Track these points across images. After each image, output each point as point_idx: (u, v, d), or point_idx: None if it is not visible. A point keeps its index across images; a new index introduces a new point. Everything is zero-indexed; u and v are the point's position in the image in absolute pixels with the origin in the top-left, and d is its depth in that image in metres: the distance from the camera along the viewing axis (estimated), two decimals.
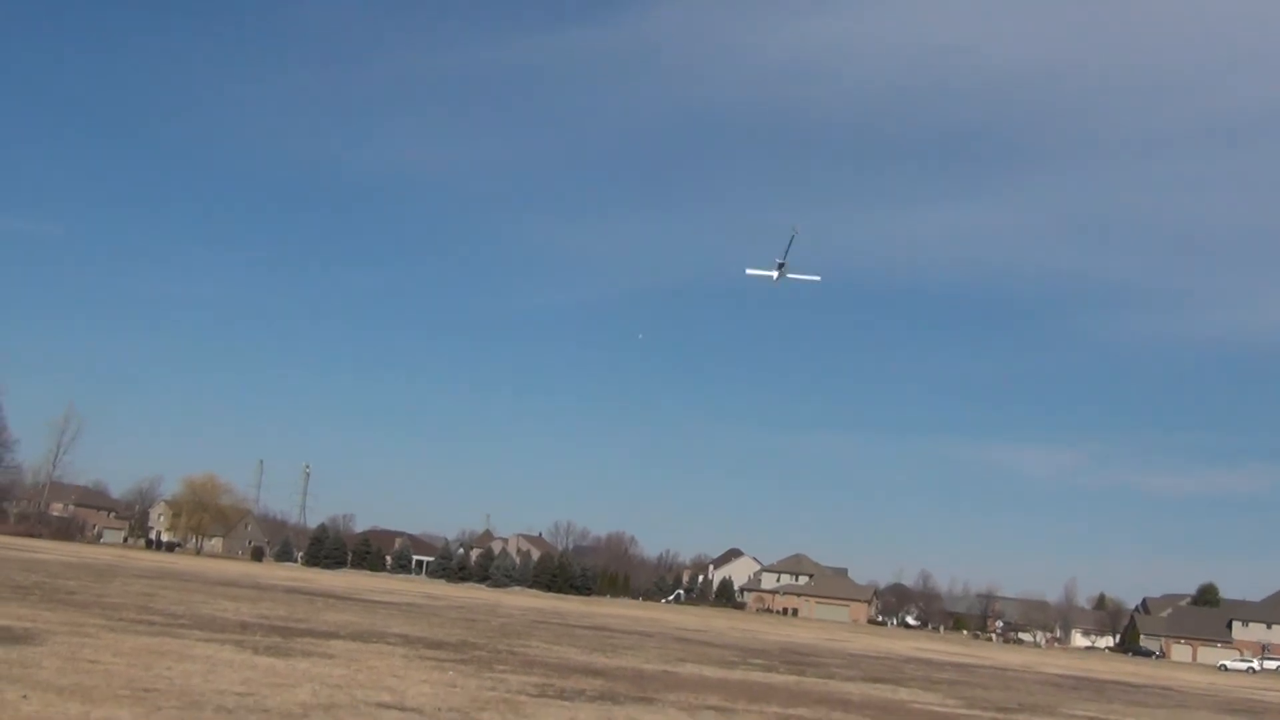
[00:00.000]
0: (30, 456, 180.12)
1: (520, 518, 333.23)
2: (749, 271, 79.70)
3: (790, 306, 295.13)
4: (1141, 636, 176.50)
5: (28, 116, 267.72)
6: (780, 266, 73.57)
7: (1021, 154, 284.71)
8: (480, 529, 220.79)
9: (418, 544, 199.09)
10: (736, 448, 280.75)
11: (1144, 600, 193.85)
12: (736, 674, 32.52)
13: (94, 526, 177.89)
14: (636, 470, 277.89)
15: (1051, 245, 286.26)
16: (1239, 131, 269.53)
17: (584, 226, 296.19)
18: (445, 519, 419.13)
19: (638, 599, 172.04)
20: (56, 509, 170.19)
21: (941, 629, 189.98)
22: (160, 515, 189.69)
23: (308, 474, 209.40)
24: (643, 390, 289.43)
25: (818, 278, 79.42)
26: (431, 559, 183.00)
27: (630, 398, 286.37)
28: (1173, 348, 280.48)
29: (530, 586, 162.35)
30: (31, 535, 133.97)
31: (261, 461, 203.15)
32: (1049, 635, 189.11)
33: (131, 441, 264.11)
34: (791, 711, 23.14)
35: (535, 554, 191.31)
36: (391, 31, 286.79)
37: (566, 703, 20.37)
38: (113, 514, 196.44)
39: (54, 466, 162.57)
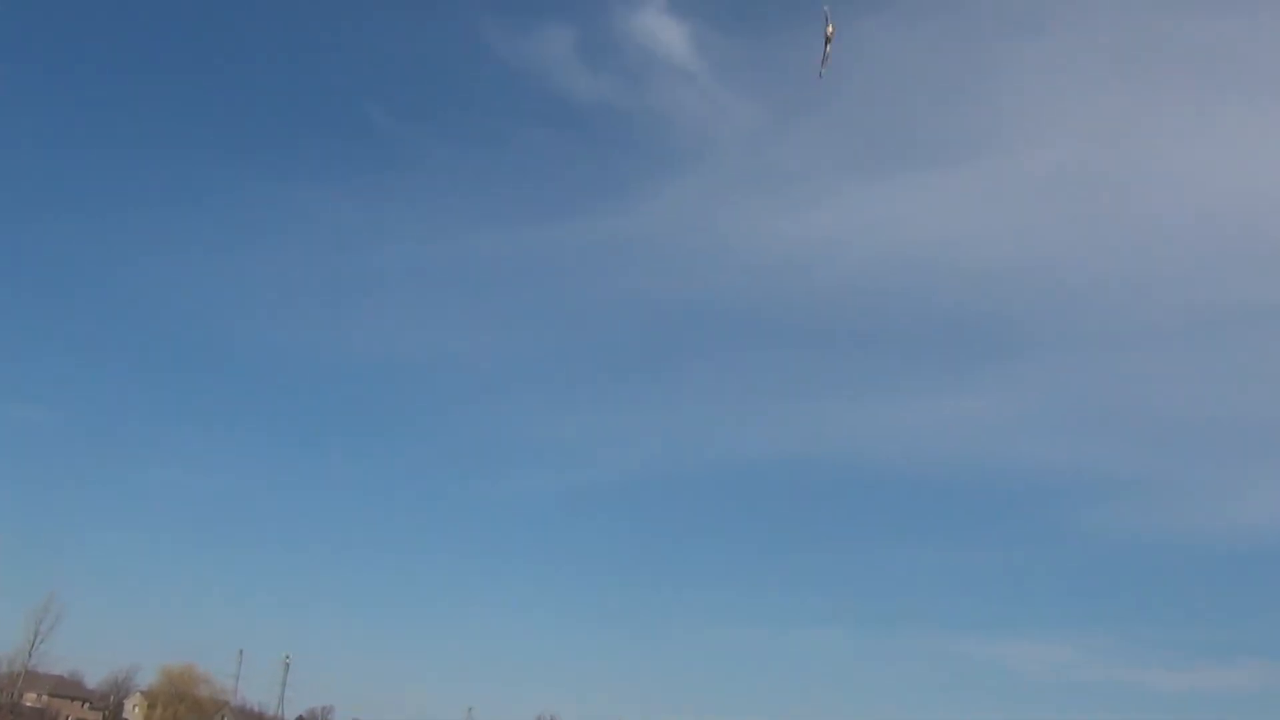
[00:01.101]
0: (5, 644, 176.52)
1: (505, 709, 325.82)
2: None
3: (775, 498, 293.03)
4: None
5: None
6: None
7: (1011, 345, 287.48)
8: None
9: None
10: (722, 641, 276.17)
11: None
12: None
13: (67, 718, 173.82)
14: (625, 661, 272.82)
15: (1041, 436, 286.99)
16: (1228, 324, 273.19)
17: (570, 412, 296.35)
18: (427, 709, 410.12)
19: None
20: (30, 699, 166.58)
21: None
22: (135, 707, 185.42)
23: (287, 664, 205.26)
24: (632, 578, 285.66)
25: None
26: None
27: (619, 586, 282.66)
28: (1164, 540, 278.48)
29: None
30: None
31: (241, 651, 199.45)
32: None
33: (110, 629, 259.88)
34: None
35: None
36: (388, 219, 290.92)
37: None
38: (88, 705, 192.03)
39: (30, 656, 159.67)
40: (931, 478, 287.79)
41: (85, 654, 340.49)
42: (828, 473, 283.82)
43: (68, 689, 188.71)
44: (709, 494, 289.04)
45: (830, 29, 74.35)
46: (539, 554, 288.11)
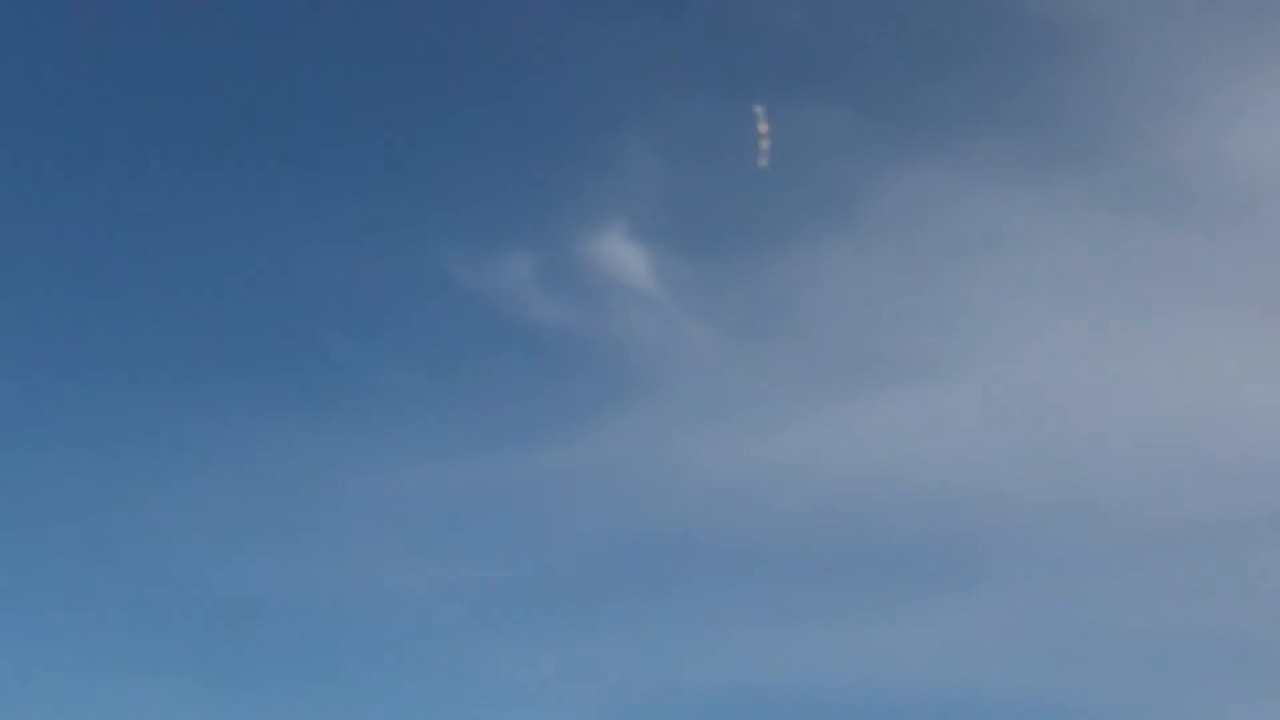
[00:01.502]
0: None
1: None
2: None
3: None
4: None
5: None
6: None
7: (973, 569, 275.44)
8: None
9: None
10: None
11: None
12: None
13: None
14: None
15: (1007, 662, 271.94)
16: (1183, 542, 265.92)
17: (534, 652, 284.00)
18: None
19: None
20: None
21: None
22: None
23: None
24: None
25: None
26: None
27: None
28: None
29: None
30: None
31: None
32: None
33: None
34: None
35: None
36: (343, 449, 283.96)
37: None
38: None
39: None
40: (899, 706, 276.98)
41: None
42: (795, 702, 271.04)
43: None
44: None
45: (763, 126, 78.32)
46: None
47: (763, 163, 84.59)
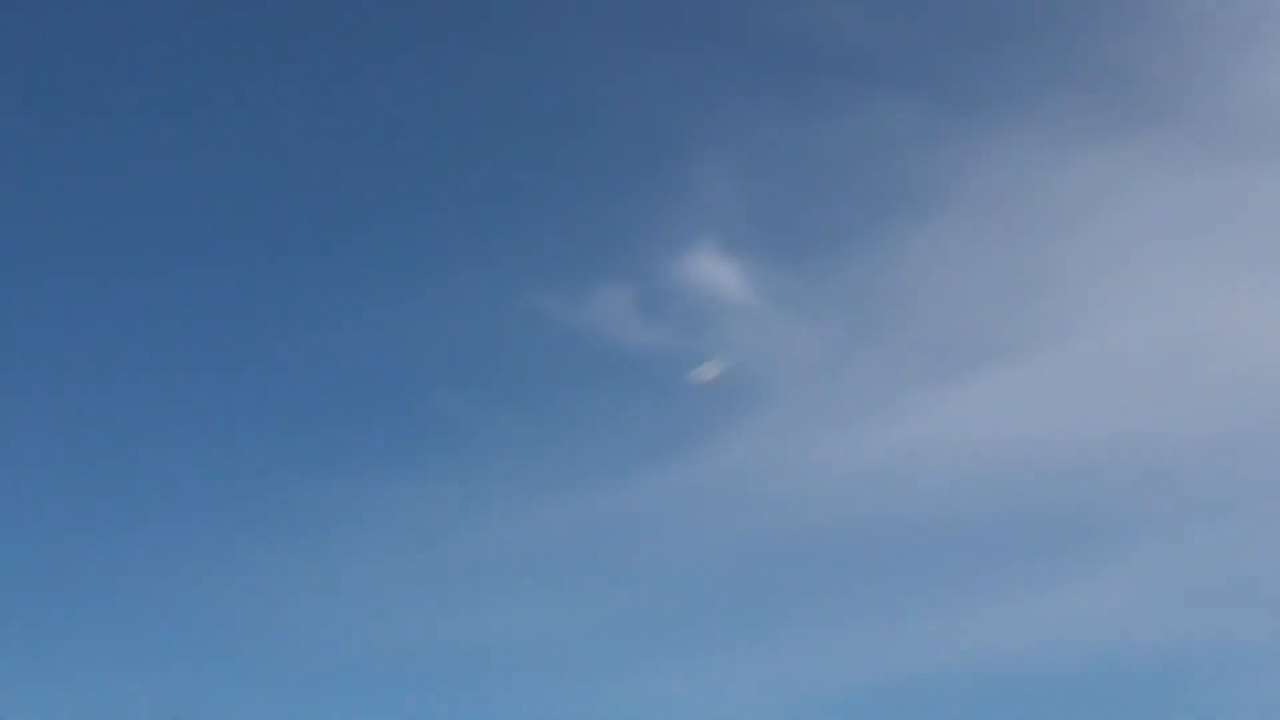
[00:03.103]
0: None
1: None
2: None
3: (901, 715, 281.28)
4: None
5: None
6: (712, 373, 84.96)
7: (1108, 529, 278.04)
8: None
9: None
10: None
11: None
12: None
13: None
14: None
15: (1154, 616, 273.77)
16: None
17: (685, 671, 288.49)
18: None
19: None
20: None
21: None
22: None
23: None
24: None
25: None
26: None
27: None
28: None
29: None
30: None
31: None
32: None
33: None
34: None
35: None
36: (457, 501, 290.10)
37: None
38: None
39: None
40: (1049, 676, 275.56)
41: None
42: (970, 683, 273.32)
43: None
44: None
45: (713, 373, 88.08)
46: None
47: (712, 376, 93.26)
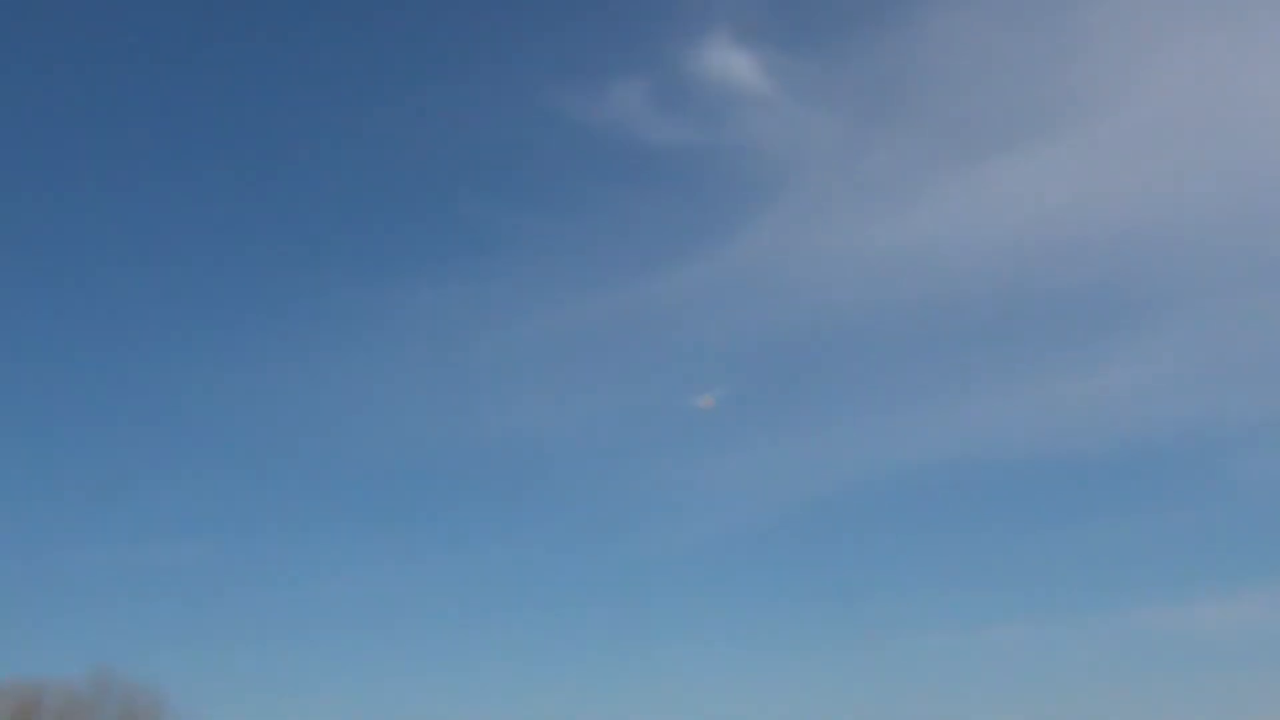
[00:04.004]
0: None
1: None
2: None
3: (933, 502, 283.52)
4: None
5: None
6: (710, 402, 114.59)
7: (1136, 307, 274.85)
8: None
9: None
10: (902, 650, 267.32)
11: None
12: None
13: None
14: (811, 690, 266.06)
15: (1187, 392, 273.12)
16: None
17: (715, 457, 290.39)
18: None
19: None
20: None
21: None
22: None
23: None
24: (803, 607, 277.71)
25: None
26: None
27: (791, 618, 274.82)
28: None
29: None
30: None
31: None
32: None
33: None
34: None
35: None
36: (485, 301, 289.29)
37: None
38: None
39: None
40: (1083, 455, 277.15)
41: None
42: (979, 470, 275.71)
43: None
44: (863, 510, 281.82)
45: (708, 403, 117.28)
46: (701, 606, 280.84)
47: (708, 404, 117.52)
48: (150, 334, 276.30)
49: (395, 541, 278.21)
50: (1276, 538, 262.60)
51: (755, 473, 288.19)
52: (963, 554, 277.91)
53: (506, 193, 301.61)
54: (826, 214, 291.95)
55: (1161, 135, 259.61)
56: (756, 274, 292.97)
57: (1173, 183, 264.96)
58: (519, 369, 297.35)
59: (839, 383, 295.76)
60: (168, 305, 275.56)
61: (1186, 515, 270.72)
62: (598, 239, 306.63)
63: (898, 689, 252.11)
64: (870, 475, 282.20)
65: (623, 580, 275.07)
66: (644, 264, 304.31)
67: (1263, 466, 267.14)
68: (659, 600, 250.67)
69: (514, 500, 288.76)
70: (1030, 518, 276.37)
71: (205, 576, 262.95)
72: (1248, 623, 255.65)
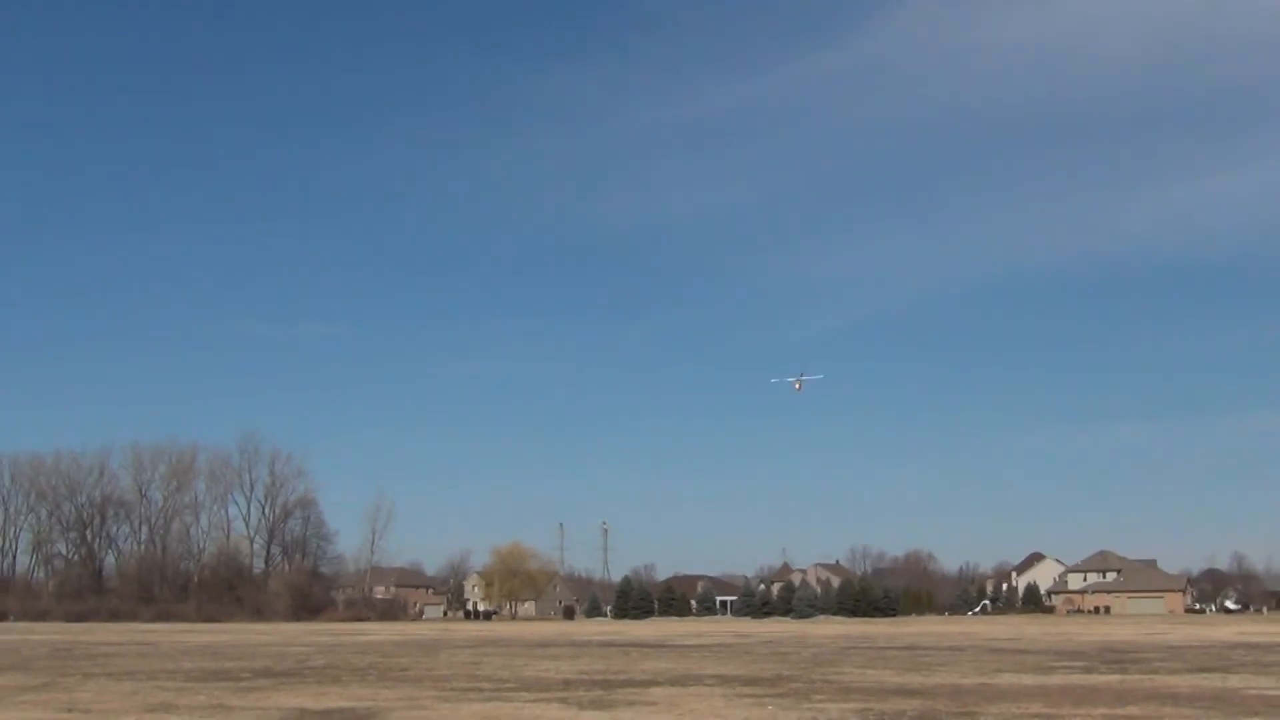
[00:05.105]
0: (350, 546, 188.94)
1: (816, 547, 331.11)
2: (772, 380, 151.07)
3: (1069, 302, 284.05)
4: None
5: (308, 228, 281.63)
6: (799, 380, 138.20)
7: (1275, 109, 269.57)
8: (778, 563, 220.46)
9: (719, 585, 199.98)
10: (1028, 449, 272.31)
11: None
12: (1056, 679, 31.48)
13: (415, 604, 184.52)
14: (927, 484, 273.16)
15: None
16: None
17: (846, 248, 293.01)
18: (742, 558, 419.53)
19: (943, 614, 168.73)
20: (379, 592, 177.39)
21: (1264, 610, 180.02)
22: (474, 586, 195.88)
23: (606, 531, 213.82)
24: (928, 401, 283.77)
25: (821, 375, 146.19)
26: (734, 598, 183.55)
27: (915, 411, 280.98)
28: None
29: (834, 614, 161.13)
30: (359, 619, 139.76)
31: (562, 524, 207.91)
32: None
33: (439, 520, 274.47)
34: (1118, 711, 22.23)
35: (835, 581, 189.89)
36: (631, 86, 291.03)
37: None
38: (430, 590, 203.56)
39: (372, 553, 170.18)
40: (1221, 256, 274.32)
41: (422, 546, 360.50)
42: (1115, 269, 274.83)
43: (411, 578, 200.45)
44: (998, 308, 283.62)
45: (799, 386, 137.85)
46: (834, 391, 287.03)
47: (798, 387, 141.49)
48: (307, 136, 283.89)
49: (536, 325, 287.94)
50: None
51: (883, 266, 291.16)
52: (1093, 353, 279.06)
53: None
54: (959, 8, 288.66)
55: None
56: (890, 67, 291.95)
57: None
58: (656, 151, 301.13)
59: (977, 177, 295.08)
60: (321, 111, 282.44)
61: None
62: (737, 25, 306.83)
63: (1008, 480, 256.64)
64: (1004, 272, 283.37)
65: (751, 367, 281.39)
66: (781, 53, 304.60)
67: None
68: (790, 391, 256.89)
69: (652, 282, 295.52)
70: (1159, 318, 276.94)
71: (343, 355, 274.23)
72: None
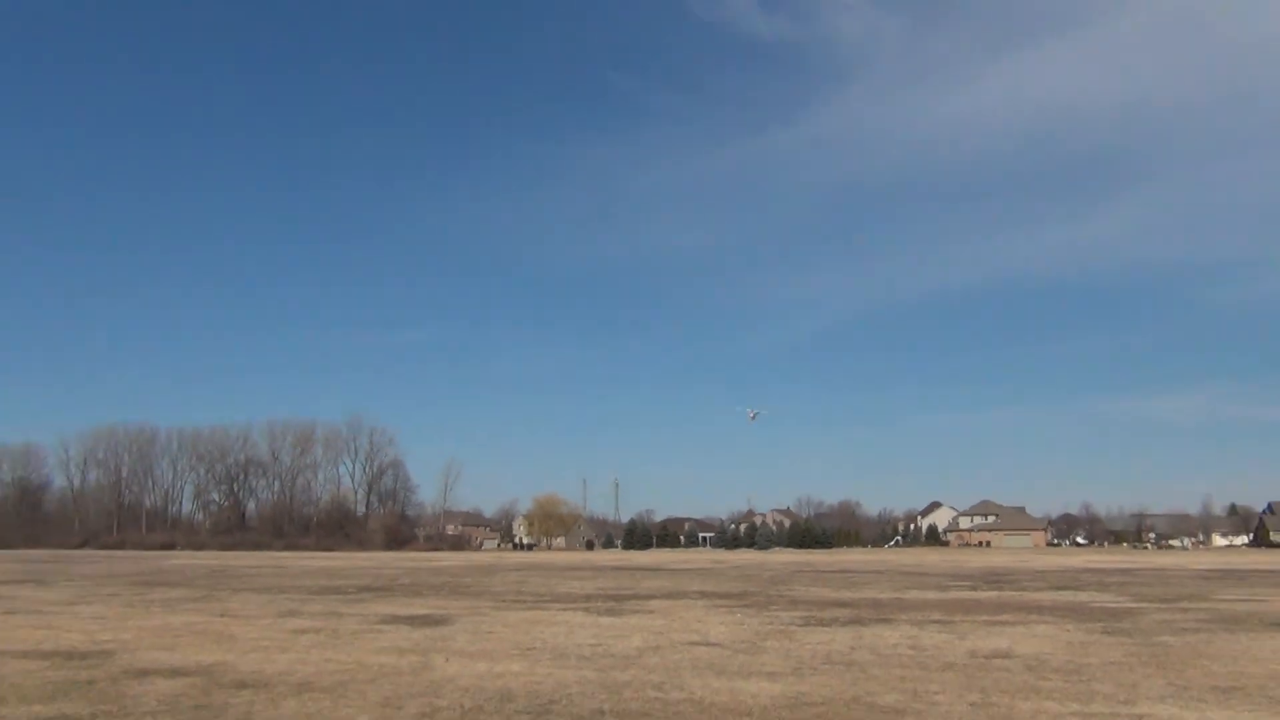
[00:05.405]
0: (428, 495, 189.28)
1: (773, 496, 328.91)
2: (736, 408, 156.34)
3: (966, 319, 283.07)
4: (1271, 533, 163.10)
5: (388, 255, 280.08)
6: (754, 412, 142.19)
7: (1126, 170, 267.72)
8: (745, 509, 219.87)
9: (701, 525, 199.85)
10: (931, 425, 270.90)
11: (1270, 504, 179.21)
12: (950, 594, 31.48)
13: (476, 539, 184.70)
14: (856, 450, 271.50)
15: (1162, 238, 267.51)
16: None
17: (789, 278, 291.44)
18: (719, 504, 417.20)
19: (866, 547, 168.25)
20: (450, 529, 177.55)
21: (1105, 544, 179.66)
22: (520, 525, 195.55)
23: (617, 484, 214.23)
24: (856, 388, 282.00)
25: (767, 410, 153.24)
26: (712, 535, 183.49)
27: (846, 396, 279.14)
28: (1272, 308, 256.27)
29: (786, 546, 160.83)
30: (435, 549, 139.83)
31: (585, 480, 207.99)
32: (1194, 540, 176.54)
33: (495, 475, 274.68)
34: (997, 617, 22.25)
35: (787, 523, 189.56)
36: (632, 156, 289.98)
37: (826, 628, 20.10)
38: (488, 528, 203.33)
39: (445, 500, 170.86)
40: (1084, 286, 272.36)
41: (482, 495, 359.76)
42: (1000, 292, 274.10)
43: (473, 520, 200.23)
44: (907, 321, 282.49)
45: (753, 416, 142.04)
46: (791, 381, 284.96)
47: (752, 417, 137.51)
48: (379, 173, 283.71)
49: (565, 331, 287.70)
50: (1217, 350, 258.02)
51: (819, 291, 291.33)
52: (974, 355, 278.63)
53: (645, 72, 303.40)
54: (891, 95, 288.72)
55: (1164, 29, 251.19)
56: (835, 141, 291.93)
57: (1169, 73, 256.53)
58: (655, 206, 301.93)
59: (890, 225, 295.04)
60: (393, 151, 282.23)
61: (1154, 332, 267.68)
62: (715, 109, 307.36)
63: (915, 456, 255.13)
64: (908, 295, 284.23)
65: (724, 366, 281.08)
66: (751, 129, 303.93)
67: (1220, 295, 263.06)
68: (753, 382, 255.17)
69: (652, 303, 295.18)
70: (1034, 330, 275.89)
71: (430, 353, 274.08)
72: (1189, 411, 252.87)
